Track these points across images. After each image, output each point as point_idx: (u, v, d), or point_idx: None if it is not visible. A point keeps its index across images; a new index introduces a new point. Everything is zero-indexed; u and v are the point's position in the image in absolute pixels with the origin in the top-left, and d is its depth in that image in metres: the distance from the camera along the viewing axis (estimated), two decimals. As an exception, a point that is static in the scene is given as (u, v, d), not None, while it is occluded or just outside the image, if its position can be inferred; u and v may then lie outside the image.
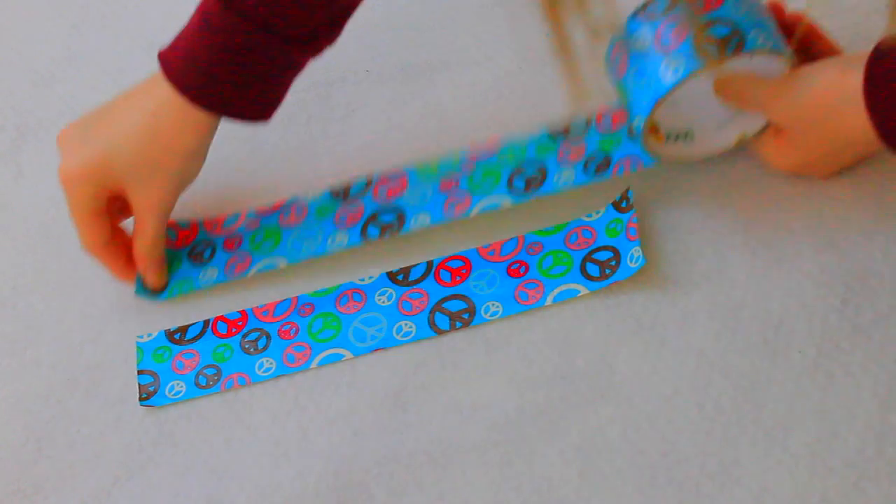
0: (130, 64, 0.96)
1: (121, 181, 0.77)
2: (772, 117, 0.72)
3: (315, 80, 0.91)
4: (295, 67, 0.76)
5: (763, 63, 0.71)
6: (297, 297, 0.79)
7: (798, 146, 0.72)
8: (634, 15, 0.71)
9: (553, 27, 0.57)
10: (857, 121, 0.66)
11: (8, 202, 0.90)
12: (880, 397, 0.66)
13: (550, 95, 0.84)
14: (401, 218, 0.79)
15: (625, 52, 0.71)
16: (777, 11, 0.74)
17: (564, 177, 0.77)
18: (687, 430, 0.68)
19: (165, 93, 0.75)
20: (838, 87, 0.67)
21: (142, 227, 0.78)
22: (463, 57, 0.89)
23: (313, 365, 0.75)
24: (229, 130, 0.90)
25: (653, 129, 0.74)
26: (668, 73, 0.69)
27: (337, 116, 0.88)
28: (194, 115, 0.75)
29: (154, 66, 0.95)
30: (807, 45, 0.74)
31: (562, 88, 0.61)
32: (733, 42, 0.68)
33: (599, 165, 0.76)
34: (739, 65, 0.71)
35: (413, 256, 0.79)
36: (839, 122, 0.68)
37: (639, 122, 0.71)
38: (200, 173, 0.87)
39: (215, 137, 0.90)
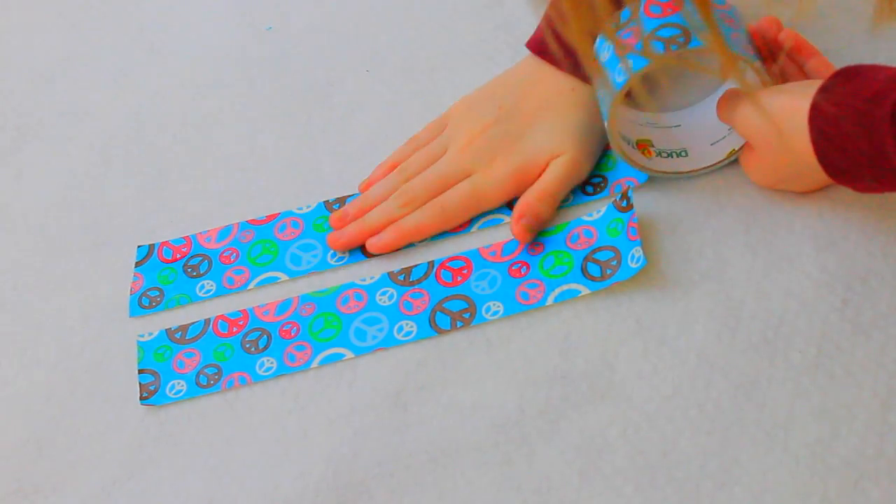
0: (130, 64, 0.96)
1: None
2: (741, 133, 0.73)
3: (315, 79, 0.91)
4: None
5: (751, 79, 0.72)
6: (299, 297, 0.79)
7: (766, 163, 0.72)
8: (602, 33, 0.73)
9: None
10: (805, 145, 0.66)
11: (8, 202, 0.90)
12: (880, 397, 0.66)
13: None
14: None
15: (597, 65, 0.74)
16: (771, 27, 0.74)
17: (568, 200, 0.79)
18: (687, 430, 0.68)
19: (559, 78, 0.79)
20: (789, 111, 0.67)
21: (549, 188, 0.78)
22: (463, 57, 0.89)
23: (314, 364, 0.75)
24: (230, 129, 0.90)
25: (642, 145, 0.76)
26: (619, 74, 0.71)
27: (337, 116, 0.89)
28: (583, 91, 0.79)
29: (153, 67, 0.95)
30: (799, 63, 0.74)
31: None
32: (679, 40, 0.69)
33: (597, 186, 0.79)
34: (731, 82, 0.73)
35: (414, 256, 0.79)
36: (791, 144, 0.68)
37: (606, 125, 0.74)
38: (199, 173, 0.87)
39: (216, 139, 0.91)
